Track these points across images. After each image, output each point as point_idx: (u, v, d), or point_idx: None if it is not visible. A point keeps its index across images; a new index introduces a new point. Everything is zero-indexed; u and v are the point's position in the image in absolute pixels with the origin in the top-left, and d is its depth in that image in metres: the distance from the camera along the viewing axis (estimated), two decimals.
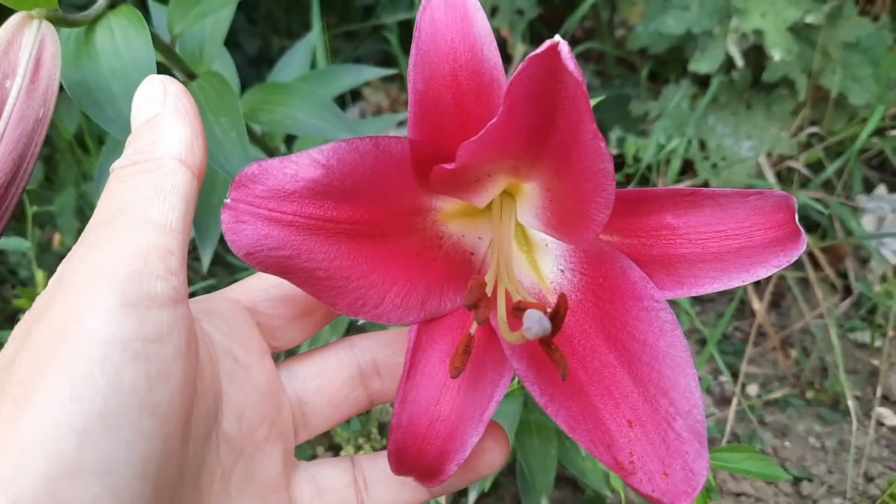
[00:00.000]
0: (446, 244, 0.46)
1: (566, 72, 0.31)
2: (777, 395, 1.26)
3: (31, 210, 1.16)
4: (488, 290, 0.42)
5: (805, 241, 0.39)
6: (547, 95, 0.33)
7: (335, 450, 1.10)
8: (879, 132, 1.35)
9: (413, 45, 0.39)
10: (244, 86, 0.85)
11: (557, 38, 0.31)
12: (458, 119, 0.40)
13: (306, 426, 0.49)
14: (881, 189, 1.38)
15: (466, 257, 0.47)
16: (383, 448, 0.51)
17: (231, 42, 1.71)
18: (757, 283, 1.42)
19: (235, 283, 0.48)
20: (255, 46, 1.76)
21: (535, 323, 0.37)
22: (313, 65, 1.01)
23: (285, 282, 0.47)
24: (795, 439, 1.23)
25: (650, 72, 1.46)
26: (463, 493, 1.08)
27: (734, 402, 1.23)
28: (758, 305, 1.29)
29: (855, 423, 1.18)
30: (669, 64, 1.48)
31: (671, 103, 1.34)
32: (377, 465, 0.50)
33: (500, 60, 0.39)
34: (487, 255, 0.47)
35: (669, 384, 0.39)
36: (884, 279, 1.40)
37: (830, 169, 1.30)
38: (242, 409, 0.44)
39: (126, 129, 0.55)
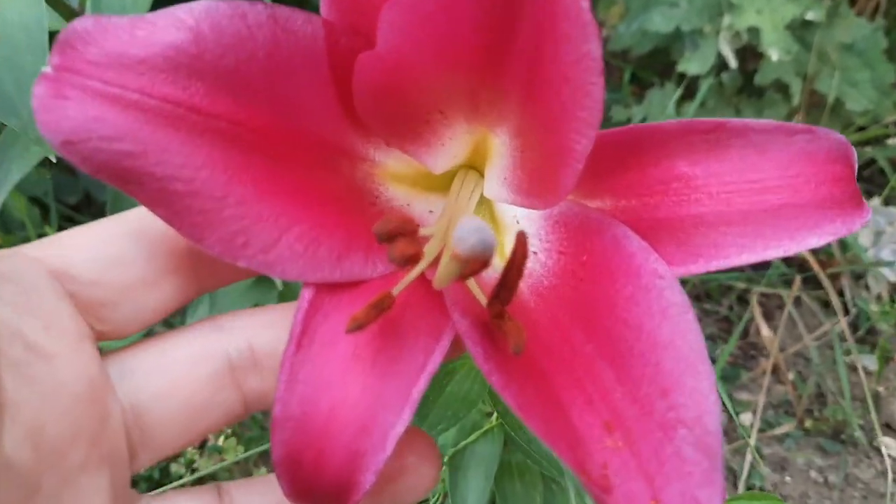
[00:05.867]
0: (383, 205, 0.36)
1: None
2: (778, 431, 1.16)
3: None
4: (430, 252, 0.33)
5: (869, 210, 0.32)
6: None
7: None
8: (876, 140, 1.27)
9: None
10: None
11: None
12: None
13: (147, 445, 0.35)
14: (875, 201, 1.30)
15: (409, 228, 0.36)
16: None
17: None
18: (742, 301, 1.32)
19: (43, 239, 0.34)
20: None
21: (471, 232, 0.27)
22: None
23: (116, 236, 0.34)
24: (796, 473, 1.13)
25: (630, 75, 1.37)
26: None
27: (741, 436, 1.12)
28: (766, 332, 1.18)
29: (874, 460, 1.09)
30: (651, 66, 1.39)
31: (656, 108, 1.24)
32: (254, 495, 0.36)
33: None
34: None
35: (671, 383, 0.29)
36: (879, 299, 1.32)
37: None
38: (40, 422, 0.30)
39: (8, 108, 0.42)
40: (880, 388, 1.21)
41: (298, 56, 0.30)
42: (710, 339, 1.31)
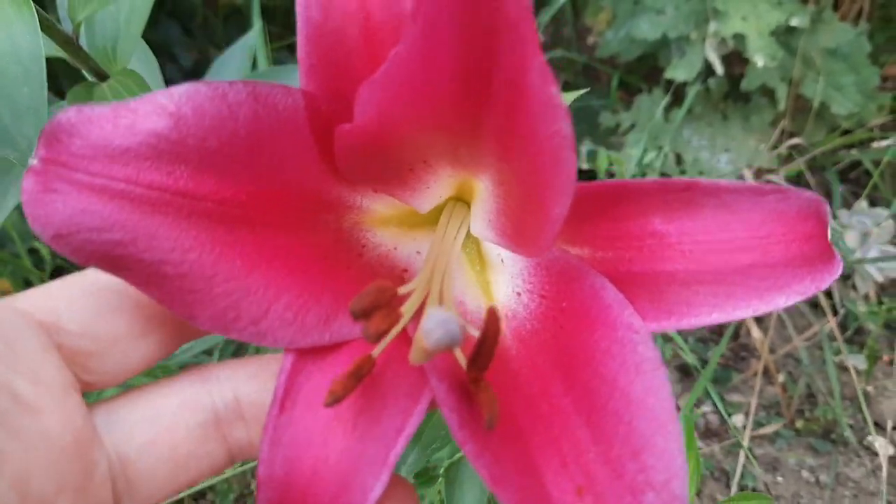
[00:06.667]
0: (370, 254, 0.36)
1: None
2: (768, 430, 1.17)
3: None
4: (409, 309, 0.33)
5: (840, 264, 0.31)
6: (476, 19, 0.24)
7: None
8: (861, 143, 1.28)
9: None
10: None
11: None
12: (371, 63, 0.30)
13: (133, 495, 0.35)
14: (862, 203, 1.31)
15: (397, 273, 0.37)
16: None
17: (166, 54, 1.58)
18: None
19: (29, 290, 0.34)
20: (191, 59, 1.62)
21: (437, 325, 0.28)
22: (254, 68, 0.88)
23: (105, 287, 0.34)
24: (788, 473, 1.14)
25: (618, 81, 1.38)
26: None
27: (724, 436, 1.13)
28: (757, 333, 1.19)
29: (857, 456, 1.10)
30: (639, 71, 1.40)
31: (645, 114, 1.25)
32: None
33: None
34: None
35: (642, 443, 0.30)
36: (867, 299, 1.33)
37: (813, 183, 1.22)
38: (26, 474, 0.30)
39: (3, 139, 0.43)
40: (869, 388, 1.22)
41: (280, 127, 0.30)
42: (702, 341, 1.32)
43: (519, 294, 0.36)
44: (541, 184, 0.28)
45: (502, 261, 0.37)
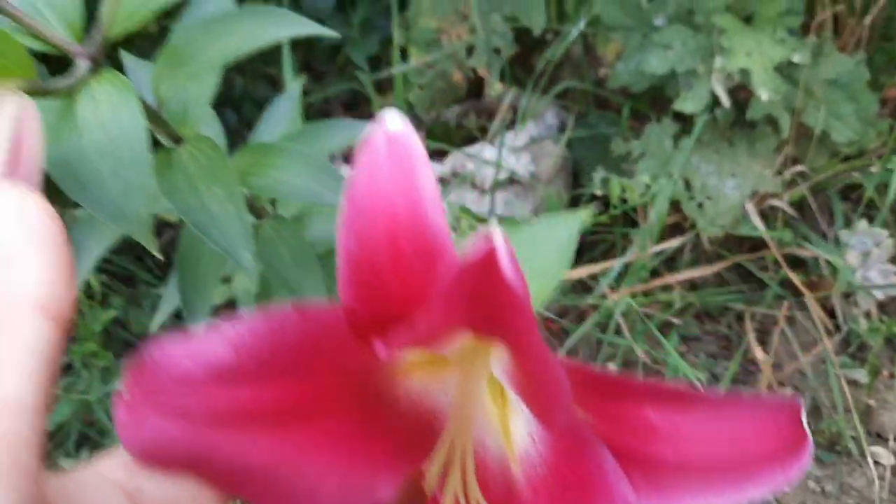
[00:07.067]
0: (400, 405, 0.40)
1: (505, 286, 0.27)
2: None
3: None
4: (433, 478, 0.37)
5: (810, 452, 0.34)
6: (485, 302, 0.29)
7: None
8: (863, 167, 1.35)
9: (347, 195, 0.34)
10: None
11: (496, 234, 0.27)
12: (399, 282, 0.35)
13: None
14: (863, 223, 1.37)
15: (428, 421, 0.40)
16: None
17: None
18: (741, 320, 1.40)
19: (109, 454, 0.37)
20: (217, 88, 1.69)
21: None
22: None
23: None
24: (794, 484, 1.20)
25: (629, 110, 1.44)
26: None
27: None
28: (761, 355, 1.26)
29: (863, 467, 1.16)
30: (647, 100, 1.46)
31: (654, 143, 1.31)
32: None
33: (446, 225, 0.35)
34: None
35: None
36: (868, 315, 1.39)
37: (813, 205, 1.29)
38: None
39: (117, 215, 0.49)
40: (871, 401, 1.28)
41: (324, 333, 0.35)
42: (712, 356, 1.38)
43: (533, 439, 0.39)
44: (543, 396, 0.34)
45: (520, 403, 0.40)
